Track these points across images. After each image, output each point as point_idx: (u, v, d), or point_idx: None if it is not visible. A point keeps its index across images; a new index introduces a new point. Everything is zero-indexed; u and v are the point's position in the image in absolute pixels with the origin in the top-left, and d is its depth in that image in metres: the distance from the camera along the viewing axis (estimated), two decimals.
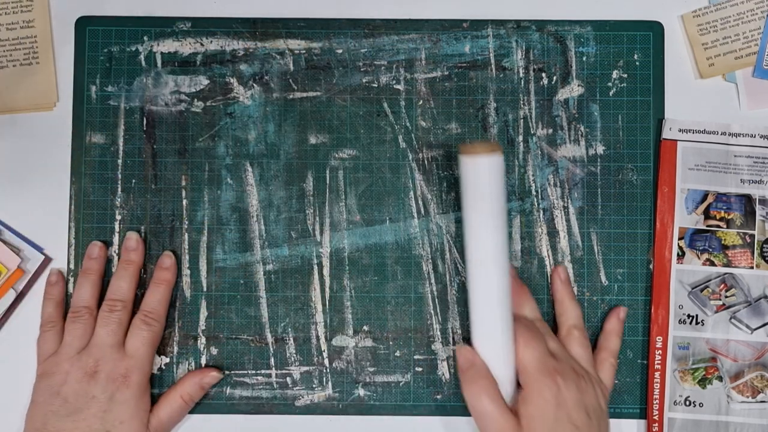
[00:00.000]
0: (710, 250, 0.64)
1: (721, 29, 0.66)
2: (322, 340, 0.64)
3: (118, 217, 0.65)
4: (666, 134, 0.65)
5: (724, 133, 0.65)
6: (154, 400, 0.62)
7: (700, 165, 0.65)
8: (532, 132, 0.65)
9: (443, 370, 0.64)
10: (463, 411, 0.63)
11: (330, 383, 0.64)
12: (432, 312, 0.64)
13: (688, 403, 0.63)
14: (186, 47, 0.66)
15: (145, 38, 0.66)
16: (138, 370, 0.60)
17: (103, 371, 0.59)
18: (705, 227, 0.64)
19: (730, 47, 0.66)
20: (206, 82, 0.66)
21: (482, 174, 0.56)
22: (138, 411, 0.60)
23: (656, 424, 0.63)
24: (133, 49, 0.66)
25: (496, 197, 0.56)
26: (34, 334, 0.63)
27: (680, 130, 0.65)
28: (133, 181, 0.65)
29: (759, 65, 0.66)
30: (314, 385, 0.64)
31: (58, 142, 0.66)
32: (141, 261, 0.64)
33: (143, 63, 0.66)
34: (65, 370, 0.59)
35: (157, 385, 0.63)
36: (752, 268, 0.64)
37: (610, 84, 0.65)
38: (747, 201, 0.64)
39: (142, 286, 0.64)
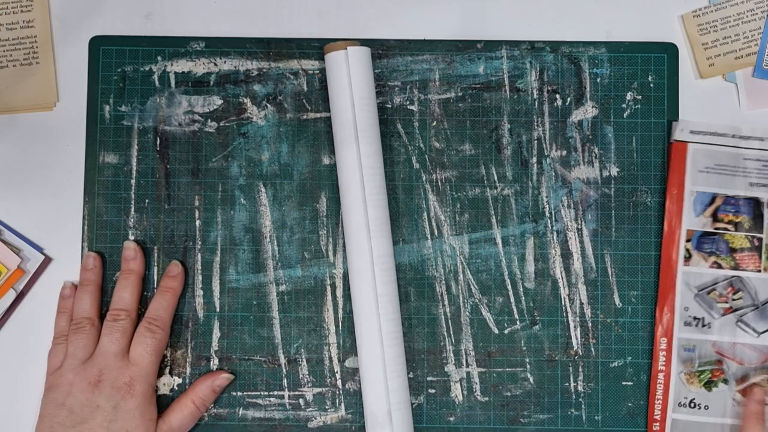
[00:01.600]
0: (718, 252, 0.64)
1: (721, 29, 0.66)
2: (335, 361, 0.64)
3: (131, 237, 0.65)
4: (677, 136, 0.65)
5: (734, 136, 0.65)
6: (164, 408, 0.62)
7: (709, 167, 0.64)
8: (546, 153, 0.65)
9: (456, 392, 0.64)
10: None
11: (343, 405, 0.64)
12: (445, 334, 0.64)
13: (693, 405, 0.63)
14: (199, 67, 0.66)
15: (159, 58, 0.66)
16: (142, 379, 0.60)
17: (107, 380, 0.59)
18: (713, 230, 0.64)
19: (730, 47, 0.66)
20: (220, 102, 0.65)
21: (344, 65, 0.60)
22: (144, 420, 0.60)
23: (657, 424, 0.63)
24: (147, 68, 0.66)
25: (351, 88, 0.60)
26: (34, 334, 0.64)
27: (691, 132, 0.65)
28: (146, 201, 0.65)
29: (759, 65, 0.66)
30: (327, 407, 0.64)
31: (58, 142, 0.66)
32: (141, 270, 0.64)
33: (157, 83, 0.66)
34: (69, 381, 0.59)
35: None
36: (760, 271, 0.64)
37: (624, 106, 0.65)
38: (755, 204, 0.64)
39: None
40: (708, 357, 0.64)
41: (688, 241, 0.64)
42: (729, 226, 0.64)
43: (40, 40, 0.66)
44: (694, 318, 0.64)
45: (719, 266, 0.64)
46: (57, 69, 0.66)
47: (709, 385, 0.63)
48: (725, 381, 0.63)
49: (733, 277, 0.64)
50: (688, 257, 0.64)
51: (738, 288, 0.64)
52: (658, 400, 0.63)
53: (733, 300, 0.64)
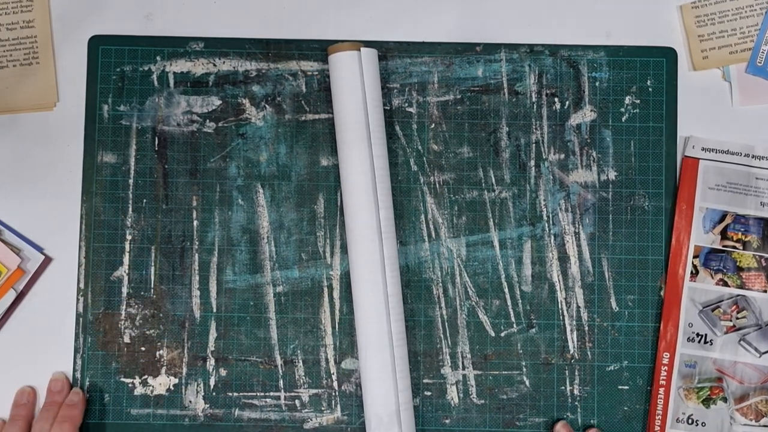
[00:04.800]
0: (724, 270, 0.64)
1: (718, 22, 0.66)
2: (332, 362, 0.64)
3: (129, 237, 0.65)
4: (689, 152, 0.64)
5: (747, 155, 0.65)
6: (158, 421, 0.62)
7: (720, 185, 0.64)
8: (544, 157, 0.65)
9: (452, 394, 0.64)
10: None
11: (339, 406, 0.64)
12: (441, 336, 0.64)
13: (690, 421, 0.63)
14: (198, 67, 0.66)
15: (158, 58, 0.66)
16: None
17: None
18: (721, 247, 0.64)
19: (726, 41, 0.66)
20: (218, 102, 0.66)
21: (356, 65, 0.60)
22: None
23: None
24: (146, 68, 0.66)
25: (363, 89, 0.60)
26: (34, 334, 0.64)
27: (703, 149, 0.64)
28: (144, 200, 0.65)
29: (753, 61, 0.65)
30: (323, 408, 0.64)
31: (59, 142, 0.66)
32: (63, 402, 0.62)
33: (156, 83, 0.66)
34: None
35: (166, 405, 0.63)
36: (765, 291, 0.64)
37: (622, 110, 0.65)
38: (765, 224, 0.64)
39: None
40: (708, 374, 0.63)
41: (695, 257, 0.64)
42: (737, 245, 0.64)
43: (40, 40, 0.66)
44: (697, 334, 0.64)
45: (725, 284, 0.64)
46: (57, 69, 0.66)
47: (707, 402, 0.63)
48: (724, 399, 0.63)
49: (738, 296, 0.64)
50: (694, 273, 0.64)
51: (742, 307, 0.64)
52: (658, 415, 0.63)
53: (737, 319, 0.64)
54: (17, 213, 0.65)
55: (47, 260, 0.65)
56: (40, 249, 0.65)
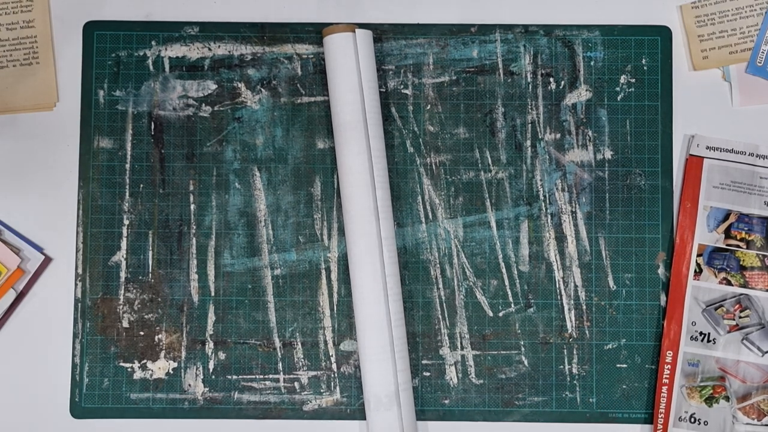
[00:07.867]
0: (728, 269, 0.64)
1: (718, 22, 0.66)
2: (330, 344, 0.64)
3: (126, 222, 0.65)
4: (693, 150, 0.64)
5: (751, 154, 0.65)
6: (157, 405, 0.62)
7: (724, 184, 0.64)
8: (540, 137, 0.65)
9: (451, 375, 0.64)
10: (471, 416, 0.64)
11: (338, 388, 0.64)
12: (440, 317, 0.64)
13: (693, 420, 0.63)
14: (194, 52, 0.66)
15: (153, 43, 0.66)
16: None
17: None
18: (725, 246, 0.64)
19: (726, 41, 0.66)
20: (214, 86, 0.66)
21: (351, 47, 0.60)
22: None
23: None
24: (141, 53, 0.66)
25: (359, 70, 0.60)
26: (34, 334, 0.64)
27: (708, 148, 0.64)
28: (141, 185, 0.65)
29: (752, 62, 0.65)
30: (322, 390, 0.64)
31: (59, 142, 0.66)
32: None
33: (151, 68, 0.66)
34: None
35: (165, 389, 0.64)
36: None
37: (618, 89, 0.65)
38: None
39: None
40: (711, 373, 0.63)
41: (699, 255, 0.64)
42: (741, 244, 0.64)
43: (40, 40, 0.66)
44: (701, 333, 0.64)
45: (729, 283, 0.64)
46: (57, 69, 0.66)
47: (710, 401, 0.63)
48: (726, 398, 0.63)
49: (742, 295, 0.64)
50: (698, 272, 0.64)
51: (746, 306, 0.64)
52: (661, 413, 0.63)
53: (740, 318, 0.64)
54: (17, 213, 0.65)
55: (47, 260, 0.65)
56: (40, 249, 0.65)
